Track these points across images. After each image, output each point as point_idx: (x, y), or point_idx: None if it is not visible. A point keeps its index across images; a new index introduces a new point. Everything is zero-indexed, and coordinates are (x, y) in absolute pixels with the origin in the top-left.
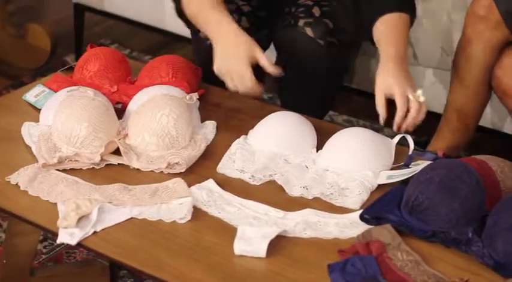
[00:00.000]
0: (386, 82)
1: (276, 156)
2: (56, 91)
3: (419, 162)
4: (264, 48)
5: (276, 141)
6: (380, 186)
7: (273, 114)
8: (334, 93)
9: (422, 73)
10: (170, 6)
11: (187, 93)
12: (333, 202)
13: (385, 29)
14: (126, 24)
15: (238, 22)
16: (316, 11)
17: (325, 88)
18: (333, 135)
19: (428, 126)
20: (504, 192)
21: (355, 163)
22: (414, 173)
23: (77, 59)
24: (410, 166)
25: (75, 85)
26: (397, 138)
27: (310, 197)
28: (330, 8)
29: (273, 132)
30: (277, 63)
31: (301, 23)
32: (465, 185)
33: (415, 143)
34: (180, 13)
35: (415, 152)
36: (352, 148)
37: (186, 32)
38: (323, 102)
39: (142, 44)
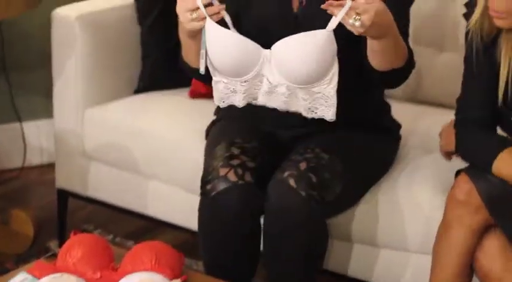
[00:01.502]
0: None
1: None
2: (39, 278)
3: None
4: None
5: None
6: None
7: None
8: (317, 262)
9: (405, 259)
10: (152, 191)
11: (170, 279)
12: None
13: None
14: (109, 209)
15: (242, 176)
16: (303, 166)
17: (306, 253)
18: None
19: None
20: None
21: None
22: None
23: (60, 245)
24: None
25: (58, 272)
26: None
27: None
28: (317, 165)
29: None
30: (265, 227)
31: (286, 174)
32: None
33: None
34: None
35: None
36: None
37: (168, 218)
38: (306, 269)
39: (125, 229)
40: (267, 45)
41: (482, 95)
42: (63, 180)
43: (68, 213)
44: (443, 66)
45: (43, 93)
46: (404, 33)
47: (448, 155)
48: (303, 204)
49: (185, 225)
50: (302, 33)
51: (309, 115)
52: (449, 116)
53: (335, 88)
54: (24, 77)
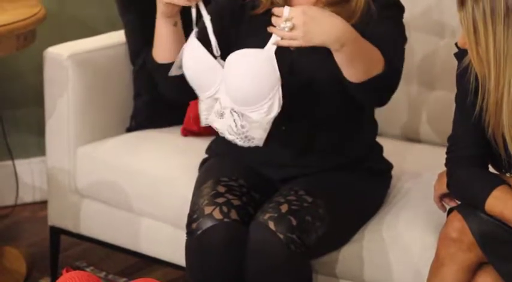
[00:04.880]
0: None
1: None
2: None
3: None
4: None
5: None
6: None
7: None
8: None
9: None
10: (145, 229)
11: None
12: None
13: None
14: (102, 246)
15: (228, 213)
16: (284, 208)
17: None
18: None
19: None
20: None
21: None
22: None
23: None
24: None
25: None
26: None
27: None
28: (299, 208)
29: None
30: (246, 267)
31: (266, 216)
32: None
33: None
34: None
35: None
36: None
37: (161, 255)
38: None
39: (117, 266)
40: None
41: (473, 133)
42: (56, 217)
43: (61, 251)
44: (434, 104)
45: (35, 131)
46: (400, 45)
47: (440, 202)
48: (282, 247)
49: (178, 263)
50: (248, 49)
51: (245, 144)
52: (442, 153)
53: (272, 119)
54: (16, 115)
